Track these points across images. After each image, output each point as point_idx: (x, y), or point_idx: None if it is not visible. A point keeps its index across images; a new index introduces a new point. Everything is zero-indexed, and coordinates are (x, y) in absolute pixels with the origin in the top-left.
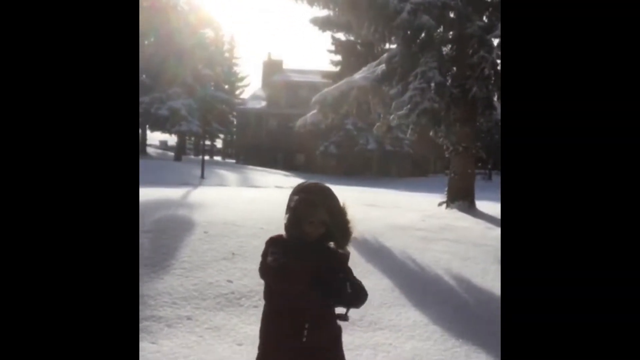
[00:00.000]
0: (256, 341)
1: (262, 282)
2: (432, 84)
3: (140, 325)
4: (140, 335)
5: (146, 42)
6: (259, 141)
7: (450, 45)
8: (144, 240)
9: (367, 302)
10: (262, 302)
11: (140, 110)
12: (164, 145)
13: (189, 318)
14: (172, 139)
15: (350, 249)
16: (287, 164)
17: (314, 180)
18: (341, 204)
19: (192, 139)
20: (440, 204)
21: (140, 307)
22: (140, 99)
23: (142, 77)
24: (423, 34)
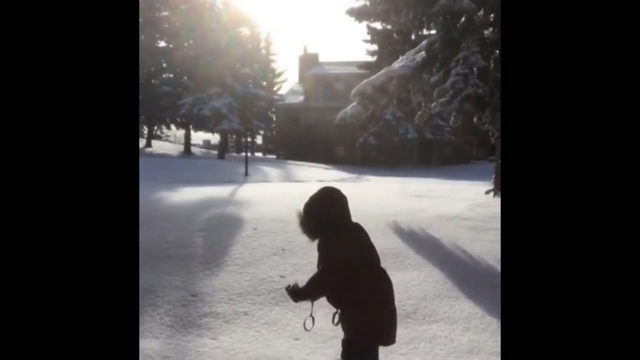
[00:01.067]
0: (312, 335)
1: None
2: (475, 69)
3: (200, 321)
4: (200, 332)
5: (185, 44)
6: (298, 136)
7: (491, 29)
8: (197, 239)
9: (420, 295)
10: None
11: (184, 111)
12: (207, 144)
13: (245, 314)
14: (214, 138)
15: (399, 241)
16: (327, 157)
17: (354, 173)
18: (311, 201)
19: (234, 136)
20: (487, 192)
21: (199, 304)
22: (183, 101)
23: (184, 79)
24: (463, 18)
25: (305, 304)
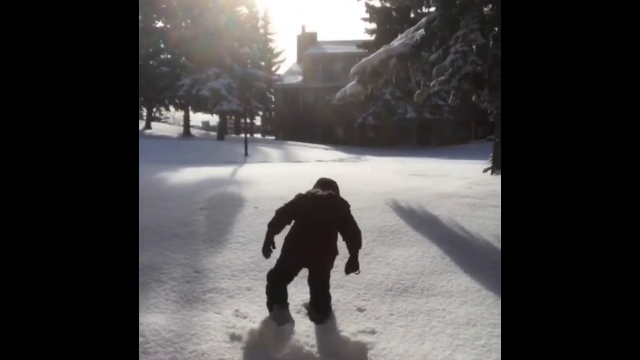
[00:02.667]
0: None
1: None
2: (474, 47)
3: (204, 297)
4: (205, 306)
5: (183, 24)
6: (297, 116)
7: (490, 6)
8: (199, 217)
9: (418, 270)
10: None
11: (182, 92)
12: (206, 125)
13: (248, 289)
14: (213, 119)
15: (397, 218)
16: (326, 138)
17: (353, 153)
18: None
19: (233, 118)
20: (485, 170)
21: (203, 280)
22: (182, 82)
23: (182, 59)
24: None
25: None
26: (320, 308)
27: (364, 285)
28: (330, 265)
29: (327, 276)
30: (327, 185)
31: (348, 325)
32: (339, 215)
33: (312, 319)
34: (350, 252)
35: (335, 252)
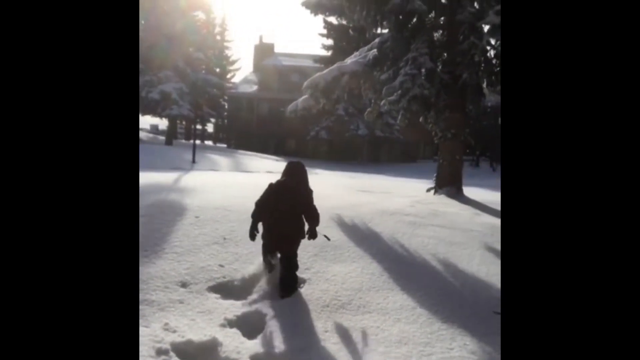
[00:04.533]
0: (246, 324)
1: (252, 267)
2: (423, 70)
3: None
4: None
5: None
6: (250, 126)
7: (441, 32)
8: None
9: (356, 287)
10: (253, 285)
11: None
12: (154, 129)
13: (181, 302)
14: (162, 123)
15: (341, 233)
16: (278, 149)
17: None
18: None
19: (183, 123)
20: (428, 190)
21: None
22: None
23: None
24: (415, 19)
25: (242, 293)
26: (286, 287)
27: (300, 301)
28: (296, 246)
29: (295, 256)
30: (294, 170)
31: (281, 341)
32: (302, 202)
33: (280, 295)
34: (310, 227)
35: (302, 235)
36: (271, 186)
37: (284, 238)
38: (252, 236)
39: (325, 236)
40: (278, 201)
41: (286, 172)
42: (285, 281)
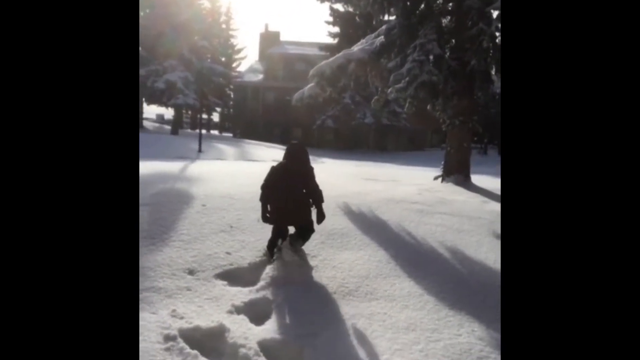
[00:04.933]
0: (253, 310)
1: (259, 253)
2: (431, 57)
3: (141, 296)
4: (141, 306)
5: (142, 14)
6: (256, 115)
7: (449, 17)
8: (142, 213)
9: (363, 274)
10: (260, 272)
11: None
12: (160, 118)
13: (188, 289)
14: (168, 113)
15: (347, 221)
16: (284, 138)
17: (310, 155)
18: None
19: (189, 112)
20: (436, 178)
21: (140, 279)
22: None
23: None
24: (422, 5)
25: (252, 283)
26: (296, 240)
27: (308, 288)
28: (309, 215)
29: (310, 223)
30: (295, 151)
31: (288, 327)
32: (305, 180)
33: (292, 246)
34: (316, 206)
35: (309, 205)
36: (274, 168)
37: (294, 211)
38: (265, 217)
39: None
40: (282, 181)
41: (287, 154)
42: (297, 235)
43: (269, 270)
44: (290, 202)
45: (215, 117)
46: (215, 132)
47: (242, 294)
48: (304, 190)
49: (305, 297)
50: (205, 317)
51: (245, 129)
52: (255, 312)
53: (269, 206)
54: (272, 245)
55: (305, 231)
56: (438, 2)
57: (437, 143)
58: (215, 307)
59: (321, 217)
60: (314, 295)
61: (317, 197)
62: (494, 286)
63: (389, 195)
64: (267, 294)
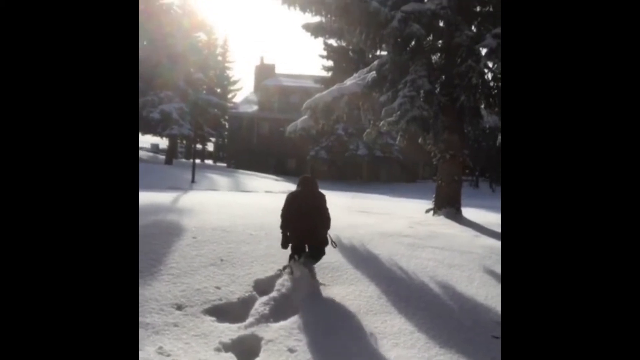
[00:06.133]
0: (241, 348)
1: (249, 289)
2: (422, 92)
3: None
4: None
5: (140, 46)
6: (250, 145)
7: (439, 54)
8: None
9: (353, 309)
10: (249, 308)
11: None
12: (155, 148)
13: (176, 325)
14: (163, 142)
15: (339, 255)
16: (278, 169)
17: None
18: None
19: (184, 142)
20: (427, 211)
21: None
22: None
23: None
24: (413, 42)
25: (241, 319)
26: (310, 258)
27: (297, 325)
28: (323, 235)
29: (322, 244)
30: (306, 181)
31: None
32: (318, 205)
33: (306, 264)
34: (321, 231)
35: (325, 227)
36: (289, 197)
37: (310, 233)
38: (285, 244)
39: (333, 242)
40: (298, 207)
41: (300, 183)
42: (310, 253)
43: (257, 306)
44: (304, 225)
45: (210, 146)
46: (209, 161)
47: (231, 331)
48: (318, 214)
49: (294, 335)
50: (192, 354)
51: (239, 159)
52: (243, 350)
53: (288, 233)
54: (291, 256)
55: (317, 251)
56: (428, 39)
57: (430, 175)
58: (203, 344)
59: (323, 241)
60: (304, 332)
61: (324, 223)
62: (485, 322)
63: (381, 228)
64: (256, 330)
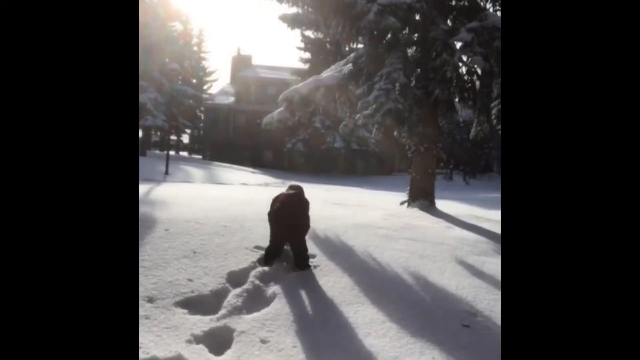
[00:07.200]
0: (213, 340)
1: (222, 281)
2: (397, 85)
3: None
4: None
5: None
6: (226, 137)
7: (415, 48)
8: None
9: (327, 300)
10: (222, 300)
11: None
12: None
13: (147, 317)
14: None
15: (313, 247)
16: (254, 161)
17: (279, 178)
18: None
19: (159, 133)
20: (402, 203)
21: None
22: None
23: None
24: (389, 35)
25: (213, 311)
26: (299, 262)
27: (270, 316)
28: (303, 235)
29: (303, 242)
30: (294, 187)
31: (248, 358)
32: (300, 209)
33: (297, 268)
34: (296, 236)
35: (306, 227)
36: (275, 198)
37: (289, 230)
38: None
39: (306, 260)
40: (281, 207)
41: (288, 188)
42: (298, 258)
43: (230, 298)
44: (287, 222)
45: (185, 138)
46: (184, 153)
47: (203, 323)
48: (295, 218)
49: (266, 326)
50: (163, 347)
51: (215, 151)
52: (215, 342)
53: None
54: (267, 253)
55: (299, 256)
56: (404, 32)
57: (405, 168)
58: (174, 337)
59: (295, 246)
60: (277, 324)
61: (299, 228)
62: (455, 312)
63: (356, 220)
64: (229, 322)
